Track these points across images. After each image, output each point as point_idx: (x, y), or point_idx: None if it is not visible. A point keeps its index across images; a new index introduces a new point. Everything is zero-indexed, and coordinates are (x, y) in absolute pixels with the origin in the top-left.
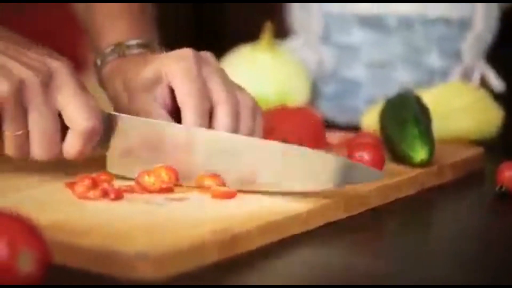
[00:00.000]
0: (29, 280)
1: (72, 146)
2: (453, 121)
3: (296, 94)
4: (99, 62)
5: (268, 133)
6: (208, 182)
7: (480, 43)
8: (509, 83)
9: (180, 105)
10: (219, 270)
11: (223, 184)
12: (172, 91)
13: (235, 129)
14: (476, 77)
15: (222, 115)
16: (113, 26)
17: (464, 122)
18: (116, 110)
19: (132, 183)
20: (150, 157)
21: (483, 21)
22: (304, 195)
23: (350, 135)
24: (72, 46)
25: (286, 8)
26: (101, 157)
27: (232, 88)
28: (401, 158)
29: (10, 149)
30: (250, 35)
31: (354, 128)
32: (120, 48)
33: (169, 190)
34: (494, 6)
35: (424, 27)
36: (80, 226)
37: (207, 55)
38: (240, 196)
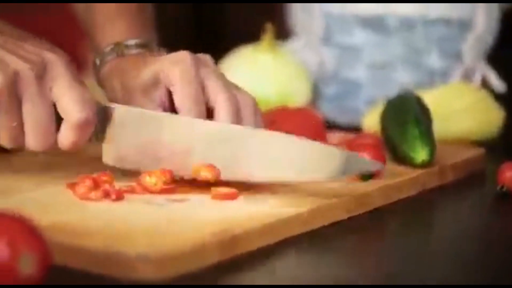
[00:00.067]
0: (30, 281)
1: (66, 137)
2: (454, 122)
3: (297, 95)
4: (98, 62)
5: None
6: (204, 172)
7: (480, 44)
8: (510, 83)
9: (177, 107)
10: (219, 271)
11: (219, 175)
12: (170, 93)
13: None
14: (477, 77)
15: (223, 114)
16: (112, 26)
17: (465, 123)
18: None
19: (132, 183)
20: (145, 148)
21: (483, 21)
22: (304, 195)
23: (351, 136)
24: (72, 46)
25: (286, 9)
26: (100, 156)
27: (231, 88)
28: (402, 158)
29: (4, 140)
30: (250, 36)
31: (355, 129)
32: (119, 48)
33: (170, 191)
34: (495, 7)
35: (424, 27)
36: (81, 227)
37: (205, 57)
38: (241, 197)
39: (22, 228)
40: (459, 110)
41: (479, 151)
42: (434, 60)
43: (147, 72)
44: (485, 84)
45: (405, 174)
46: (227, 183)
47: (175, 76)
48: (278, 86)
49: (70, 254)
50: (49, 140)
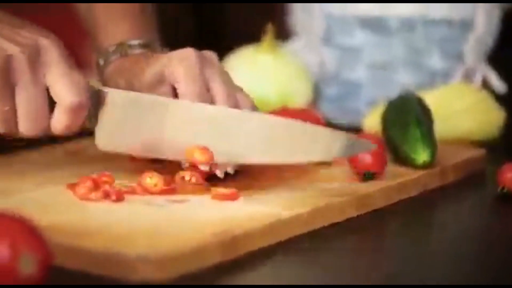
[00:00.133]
0: (30, 282)
1: (59, 121)
2: (455, 123)
3: (297, 96)
4: (101, 62)
5: None
6: (197, 155)
7: (481, 45)
8: (511, 84)
9: None
10: (220, 272)
11: (212, 158)
12: (175, 90)
13: None
14: (477, 78)
15: None
16: (115, 26)
17: (466, 124)
18: None
19: (133, 183)
20: (138, 131)
21: (484, 22)
22: (304, 196)
23: None
24: (73, 46)
25: (287, 9)
26: (101, 157)
27: (233, 90)
28: (403, 159)
29: None
30: (250, 36)
31: (356, 129)
32: (122, 48)
33: (170, 191)
34: (496, 7)
35: (425, 28)
36: (81, 228)
37: (210, 54)
38: (241, 197)
39: (22, 228)
40: (460, 110)
41: (479, 152)
42: (435, 61)
43: (152, 69)
44: (485, 84)
45: (406, 175)
46: (226, 184)
47: (180, 73)
48: (279, 87)
49: (70, 254)
50: (42, 124)
